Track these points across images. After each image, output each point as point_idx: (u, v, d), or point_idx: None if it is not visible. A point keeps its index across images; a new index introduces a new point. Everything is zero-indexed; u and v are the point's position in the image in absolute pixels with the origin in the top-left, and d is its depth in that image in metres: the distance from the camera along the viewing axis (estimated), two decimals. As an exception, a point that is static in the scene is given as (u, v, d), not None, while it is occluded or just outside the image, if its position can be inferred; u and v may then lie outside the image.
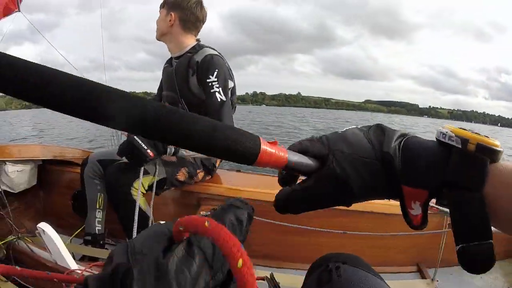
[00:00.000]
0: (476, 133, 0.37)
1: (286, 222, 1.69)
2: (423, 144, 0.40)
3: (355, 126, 0.45)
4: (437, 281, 1.79)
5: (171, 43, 1.79)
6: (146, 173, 1.56)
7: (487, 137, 0.37)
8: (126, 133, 1.50)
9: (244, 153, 0.37)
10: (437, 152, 0.38)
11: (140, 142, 1.38)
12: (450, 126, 0.39)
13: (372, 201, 1.45)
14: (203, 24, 1.83)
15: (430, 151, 0.39)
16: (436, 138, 0.39)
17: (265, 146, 0.38)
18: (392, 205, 1.86)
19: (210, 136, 0.36)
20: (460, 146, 0.36)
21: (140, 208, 1.55)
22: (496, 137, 0.38)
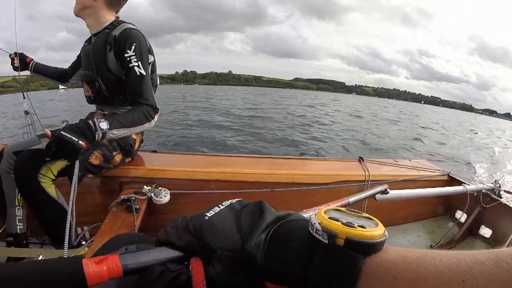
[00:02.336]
0: (348, 224, 0.34)
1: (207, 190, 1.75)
2: (293, 234, 0.37)
3: (229, 204, 0.43)
4: None
5: (90, 18, 1.70)
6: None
7: (362, 227, 0.34)
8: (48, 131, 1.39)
9: (69, 284, 0.34)
10: (304, 246, 0.35)
11: (69, 135, 1.29)
12: (322, 215, 0.35)
13: (293, 172, 1.60)
14: (125, 2, 1.77)
15: (297, 245, 0.36)
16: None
17: (90, 269, 0.35)
18: (312, 175, 1.98)
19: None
20: (326, 242, 0.33)
21: (51, 197, 1.49)
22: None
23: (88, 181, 1.75)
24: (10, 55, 2.05)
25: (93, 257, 0.37)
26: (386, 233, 0.34)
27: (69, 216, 1.19)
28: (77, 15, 1.71)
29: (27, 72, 2.09)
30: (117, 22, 1.69)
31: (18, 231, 1.67)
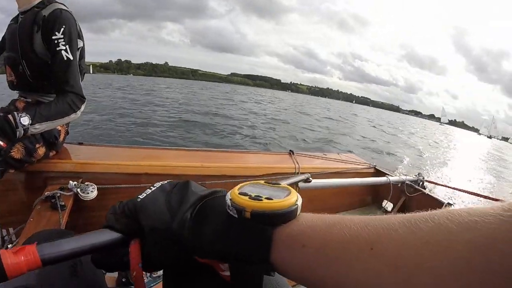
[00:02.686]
0: (256, 197, 0.35)
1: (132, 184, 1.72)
2: (214, 211, 0.38)
3: (160, 185, 0.44)
4: None
5: None
6: None
7: (269, 199, 0.35)
8: None
9: None
10: (221, 222, 0.36)
11: None
12: (234, 192, 0.37)
13: (224, 165, 1.63)
14: None
15: (216, 221, 0.37)
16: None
17: (8, 259, 0.33)
18: (242, 168, 2.05)
19: None
20: (236, 216, 0.35)
21: None
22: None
23: (10, 177, 1.61)
24: None
25: (11, 248, 0.35)
26: (299, 202, 0.36)
27: None
28: None
29: None
30: (47, 1, 1.58)
31: None
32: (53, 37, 1.49)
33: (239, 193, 0.37)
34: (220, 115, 15.76)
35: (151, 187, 0.44)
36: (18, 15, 1.65)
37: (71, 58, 1.51)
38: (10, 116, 1.27)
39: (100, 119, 11.01)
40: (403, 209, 2.66)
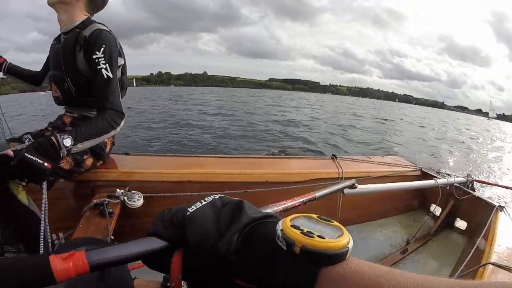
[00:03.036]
0: (308, 233, 0.35)
1: (187, 192, 1.73)
2: (262, 238, 0.38)
3: (211, 200, 0.44)
4: None
5: (65, 14, 1.64)
6: None
7: (321, 237, 0.35)
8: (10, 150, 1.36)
9: (37, 280, 0.34)
10: (268, 250, 0.36)
11: (33, 157, 1.23)
12: (286, 223, 0.37)
13: (267, 171, 1.60)
14: (102, 9, 1.78)
15: (263, 248, 0.37)
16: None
17: (57, 266, 0.35)
18: (285, 174, 2.02)
19: None
20: (285, 249, 0.35)
21: (23, 205, 1.45)
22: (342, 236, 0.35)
23: (60, 185, 1.70)
24: None
25: (60, 254, 0.37)
26: (350, 245, 0.35)
27: (42, 225, 1.16)
28: (51, 5, 1.63)
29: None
30: (88, 22, 1.64)
31: None
32: (94, 56, 1.53)
33: (291, 225, 0.36)
34: (290, 122, 16.03)
35: (202, 201, 0.44)
36: (60, 35, 1.72)
37: (111, 76, 1.55)
38: (53, 138, 1.31)
39: (178, 132, 11.43)
40: (452, 212, 2.55)
